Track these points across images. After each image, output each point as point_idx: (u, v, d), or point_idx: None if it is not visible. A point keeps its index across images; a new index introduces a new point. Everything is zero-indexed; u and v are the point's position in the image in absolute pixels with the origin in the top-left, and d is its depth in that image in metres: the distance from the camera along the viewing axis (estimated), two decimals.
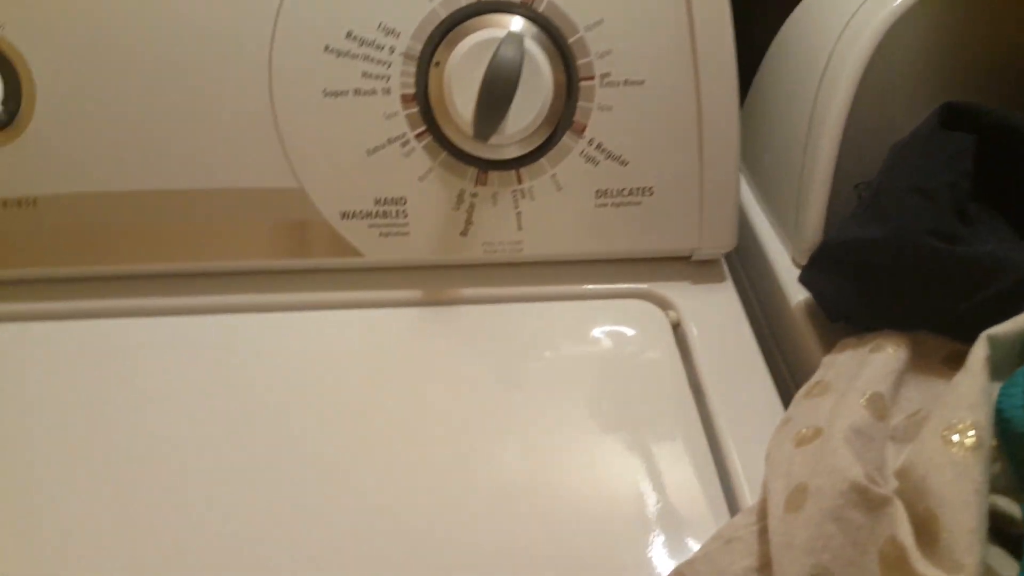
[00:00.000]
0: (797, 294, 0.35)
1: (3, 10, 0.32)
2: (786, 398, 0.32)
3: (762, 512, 0.24)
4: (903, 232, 0.27)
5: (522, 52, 0.31)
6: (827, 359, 0.30)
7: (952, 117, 0.30)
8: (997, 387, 0.23)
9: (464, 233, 0.35)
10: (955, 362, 0.27)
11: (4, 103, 0.32)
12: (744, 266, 0.41)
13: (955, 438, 0.21)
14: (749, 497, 0.27)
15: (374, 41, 0.33)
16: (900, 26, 0.35)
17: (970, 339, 0.25)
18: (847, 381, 0.27)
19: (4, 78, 0.32)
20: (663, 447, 0.29)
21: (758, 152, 0.43)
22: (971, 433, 0.20)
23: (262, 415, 0.30)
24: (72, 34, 0.32)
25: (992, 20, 0.37)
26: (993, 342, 0.24)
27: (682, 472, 0.28)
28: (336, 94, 0.33)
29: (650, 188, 0.35)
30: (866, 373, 0.26)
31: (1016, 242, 0.27)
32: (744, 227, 0.41)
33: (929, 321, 0.27)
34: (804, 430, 0.25)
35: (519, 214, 0.35)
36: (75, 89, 0.33)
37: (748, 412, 0.31)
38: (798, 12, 0.42)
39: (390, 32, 0.33)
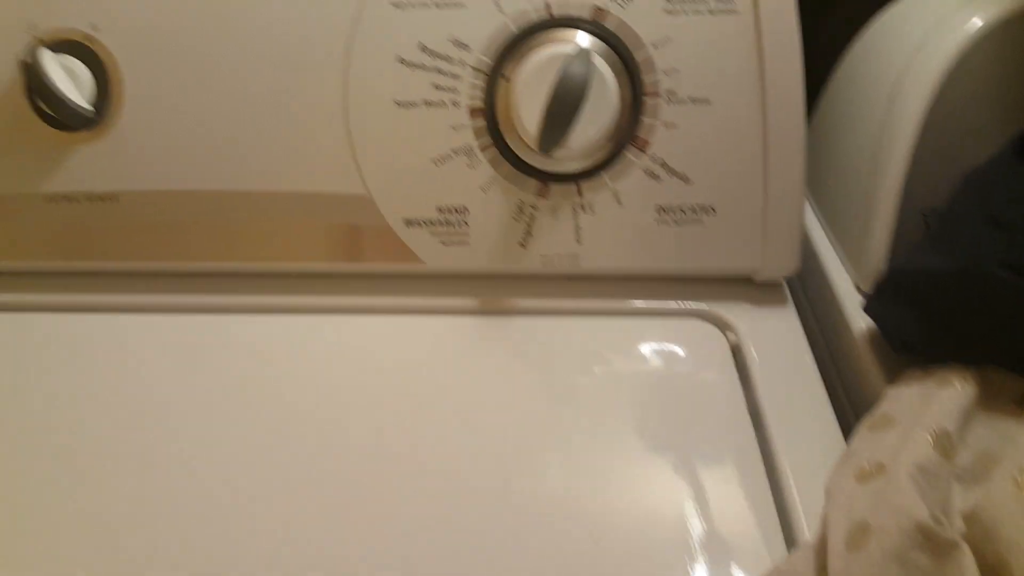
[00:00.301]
0: (860, 322, 0.34)
1: (99, 13, 0.34)
2: (846, 428, 0.31)
3: (820, 548, 0.23)
4: (974, 264, 0.26)
5: (590, 68, 0.32)
6: (891, 391, 0.30)
7: None
8: None
9: (523, 244, 0.36)
10: None
11: (95, 102, 0.34)
12: (806, 290, 0.41)
13: None
14: (807, 531, 0.27)
15: (445, 54, 0.34)
16: (972, 51, 0.34)
17: None
18: (912, 416, 0.26)
19: (96, 79, 0.34)
20: (718, 473, 0.29)
21: (823, 174, 0.42)
22: None
23: (312, 416, 0.31)
24: (160, 38, 0.34)
25: None
26: None
27: (738, 500, 0.28)
28: (407, 104, 0.34)
29: (712, 207, 0.35)
30: (932, 409, 0.26)
31: None
32: (807, 250, 0.40)
33: (999, 358, 0.27)
34: (867, 465, 0.25)
35: (578, 227, 0.36)
36: (160, 91, 0.34)
37: (807, 441, 0.30)
38: (867, 34, 0.41)
39: (461, 46, 0.33)
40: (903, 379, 0.30)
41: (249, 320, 0.35)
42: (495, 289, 0.37)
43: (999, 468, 0.21)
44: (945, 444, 0.24)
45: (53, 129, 0.34)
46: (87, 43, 0.34)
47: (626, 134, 0.34)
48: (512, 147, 0.34)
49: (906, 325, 0.30)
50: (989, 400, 0.27)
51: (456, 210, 0.35)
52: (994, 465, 0.22)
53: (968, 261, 0.26)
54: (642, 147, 0.34)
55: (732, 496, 0.28)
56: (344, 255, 0.36)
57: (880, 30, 0.40)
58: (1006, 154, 0.29)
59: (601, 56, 0.33)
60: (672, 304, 0.36)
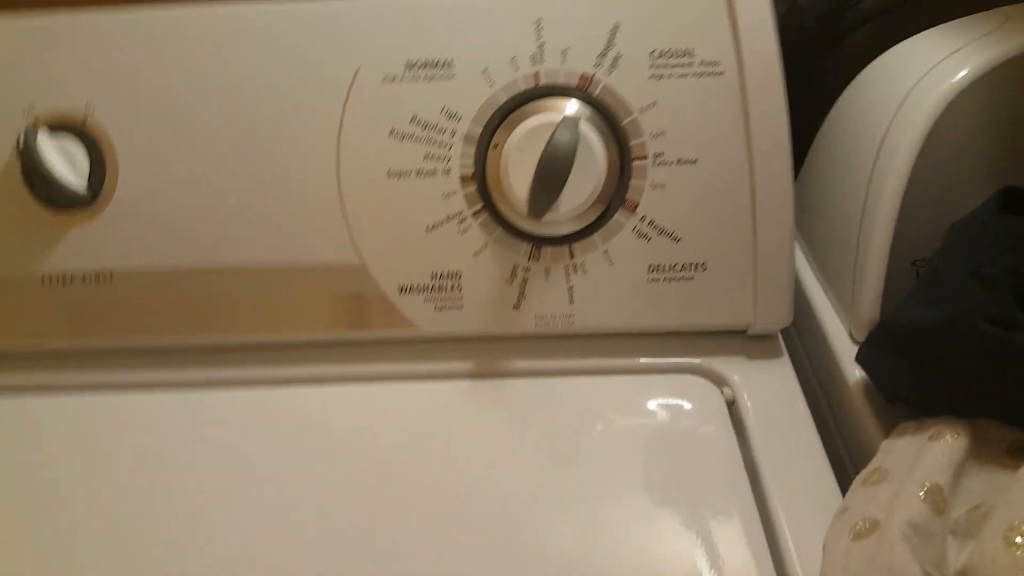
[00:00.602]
0: (855, 372, 0.36)
1: (93, 91, 0.36)
2: (844, 476, 0.33)
3: None
4: (961, 318, 0.28)
5: (577, 136, 0.34)
6: (885, 444, 0.31)
7: (1012, 201, 0.31)
8: None
9: (517, 306, 0.37)
10: (1020, 452, 0.27)
11: (90, 181, 0.36)
12: (802, 338, 0.42)
13: (1019, 539, 0.22)
14: None
15: (437, 125, 0.35)
16: (959, 102, 0.36)
17: None
18: (905, 470, 0.28)
19: (91, 157, 0.36)
20: (716, 528, 0.30)
21: (815, 224, 0.44)
22: None
23: (317, 488, 0.32)
24: (155, 115, 0.36)
25: None
26: None
27: (736, 554, 0.29)
28: (399, 175, 0.36)
29: (703, 264, 0.37)
30: (924, 462, 0.27)
31: None
32: (801, 299, 0.42)
33: (988, 409, 0.28)
34: (861, 523, 0.26)
35: (571, 288, 0.37)
36: (154, 168, 0.36)
37: (804, 495, 0.32)
38: (856, 85, 0.43)
39: (452, 116, 0.35)
40: (897, 431, 0.31)
41: (248, 394, 0.36)
42: (491, 351, 0.38)
43: (989, 524, 0.23)
44: (937, 499, 0.26)
45: (49, 210, 0.36)
46: (83, 123, 0.36)
47: (615, 196, 0.36)
48: (503, 212, 0.36)
49: (897, 376, 0.31)
50: (980, 451, 0.28)
51: (450, 275, 0.37)
52: (986, 520, 0.23)
53: (955, 315, 0.28)
54: (631, 208, 0.36)
55: (731, 550, 0.29)
56: (340, 324, 0.37)
57: (868, 81, 0.43)
58: (988, 208, 0.31)
59: (589, 122, 0.35)
60: (668, 360, 0.38)
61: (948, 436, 0.28)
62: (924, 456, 0.28)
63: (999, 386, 0.27)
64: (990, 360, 0.27)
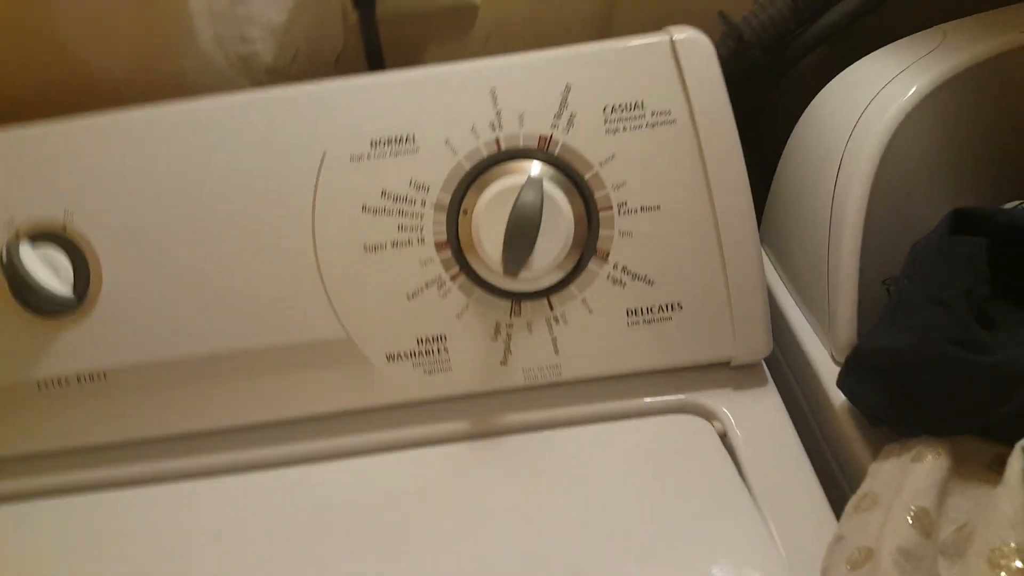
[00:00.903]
0: (839, 395, 0.37)
1: (70, 198, 0.37)
2: (838, 496, 0.34)
3: None
4: (926, 343, 0.29)
5: (541, 195, 0.35)
6: (873, 467, 0.32)
7: (962, 222, 0.32)
8: None
9: (504, 362, 0.38)
10: (1000, 465, 0.28)
11: (75, 287, 0.37)
12: (788, 362, 0.43)
13: (1003, 561, 0.23)
14: None
15: (407, 196, 0.37)
16: (910, 120, 0.38)
17: (1012, 441, 0.27)
18: (892, 494, 0.29)
19: (73, 263, 0.37)
20: (724, 562, 0.30)
21: (788, 249, 0.45)
22: (1017, 563, 0.22)
23: (322, 566, 0.33)
24: (132, 215, 0.37)
25: (1001, 108, 0.39)
26: None
27: None
28: (375, 248, 0.37)
29: (679, 303, 0.38)
30: (909, 485, 0.28)
31: None
32: (783, 324, 0.43)
33: (966, 426, 0.29)
34: (856, 552, 0.27)
35: (554, 339, 0.38)
36: (137, 266, 0.37)
37: (798, 522, 0.32)
38: (809, 112, 0.45)
39: (420, 187, 0.37)
40: (883, 453, 0.32)
41: (251, 478, 0.37)
42: (484, 406, 0.39)
43: (973, 547, 0.24)
44: (925, 522, 0.27)
45: (38, 317, 0.37)
46: (64, 229, 0.37)
47: (587, 247, 0.37)
48: (480, 273, 0.37)
49: (876, 400, 0.32)
50: (962, 468, 0.29)
51: (435, 339, 0.38)
52: (969, 541, 0.24)
53: (920, 340, 0.29)
54: (604, 257, 0.37)
55: None
56: (332, 397, 0.38)
57: (821, 107, 0.44)
58: (941, 232, 0.32)
59: (552, 180, 0.36)
60: (657, 399, 0.39)
61: (929, 456, 0.29)
62: (908, 479, 0.28)
63: (971, 405, 0.28)
64: (959, 381, 0.28)
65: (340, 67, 0.48)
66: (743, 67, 0.45)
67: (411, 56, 0.49)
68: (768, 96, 0.49)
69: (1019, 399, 0.27)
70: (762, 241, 0.48)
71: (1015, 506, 0.24)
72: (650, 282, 0.38)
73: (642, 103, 0.37)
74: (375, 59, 0.45)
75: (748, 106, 0.49)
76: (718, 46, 0.44)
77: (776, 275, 0.46)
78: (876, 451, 0.33)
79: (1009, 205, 0.36)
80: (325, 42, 0.46)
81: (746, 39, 0.44)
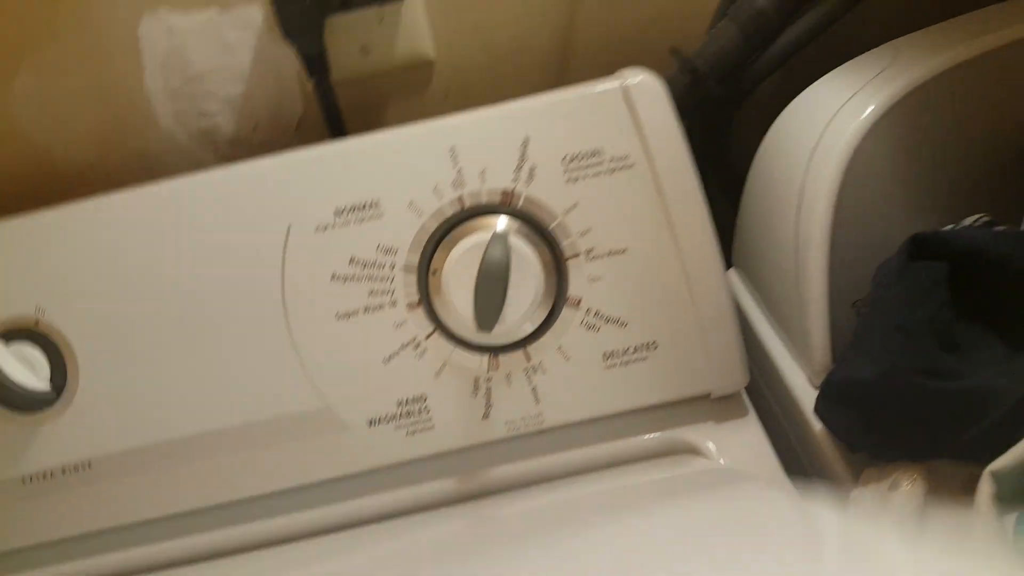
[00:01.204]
0: (818, 420, 0.38)
1: (41, 292, 0.38)
2: None
3: None
4: (892, 372, 0.30)
5: (508, 250, 0.36)
6: (855, 494, 0.33)
7: (921, 247, 0.33)
8: (1010, 519, 0.26)
9: (485, 415, 0.39)
10: (974, 485, 0.29)
11: (52, 381, 0.37)
12: (767, 385, 0.44)
13: None
14: None
15: (375, 261, 0.38)
16: (868, 139, 0.39)
17: (983, 462, 0.28)
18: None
19: (49, 357, 0.37)
20: None
21: (760, 275, 0.46)
22: None
23: None
24: (103, 304, 0.38)
25: (957, 121, 0.40)
26: (997, 477, 0.26)
27: None
28: (348, 315, 0.38)
29: (653, 342, 0.39)
30: (887, 517, 0.29)
31: (1005, 362, 0.30)
32: (761, 351, 0.44)
33: (938, 450, 0.30)
34: None
35: (534, 389, 0.39)
36: (112, 354, 0.38)
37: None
38: (769, 137, 0.46)
39: (388, 251, 0.38)
40: (863, 478, 0.33)
41: (242, 561, 0.37)
42: (470, 461, 0.39)
43: None
44: None
45: (18, 414, 0.37)
46: (36, 324, 0.38)
47: (558, 295, 0.38)
48: (455, 331, 0.38)
49: (850, 427, 0.33)
50: (938, 491, 0.30)
51: (415, 400, 0.38)
52: None
53: (886, 370, 0.30)
54: (575, 304, 0.38)
55: None
56: (317, 467, 0.39)
57: (780, 132, 0.45)
58: (901, 258, 0.33)
59: (518, 233, 0.37)
60: (642, 437, 0.39)
61: (905, 484, 0.30)
62: (887, 508, 0.29)
63: (941, 430, 0.29)
64: (927, 408, 0.29)
65: (302, 132, 0.49)
66: (700, 99, 0.46)
67: (372, 116, 0.50)
68: (730, 124, 0.50)
69: (985, 422, 0.28)
70: (735, 266, 0.49)
71: (987, 531, 0.25)
72: (623, 324, 0.38)
73: (600, 150, 0.38)
74: (335, 124, 0.46)
75: (710, 135, 0.50)
76: (674, 81, 0.45)
77: (751, 300, 0.47)
78: (858, 474, 0.34)
79: (969, 219, 0.37)
80: (285, 109, 0.47)
81: (701, 71, 0.45)
